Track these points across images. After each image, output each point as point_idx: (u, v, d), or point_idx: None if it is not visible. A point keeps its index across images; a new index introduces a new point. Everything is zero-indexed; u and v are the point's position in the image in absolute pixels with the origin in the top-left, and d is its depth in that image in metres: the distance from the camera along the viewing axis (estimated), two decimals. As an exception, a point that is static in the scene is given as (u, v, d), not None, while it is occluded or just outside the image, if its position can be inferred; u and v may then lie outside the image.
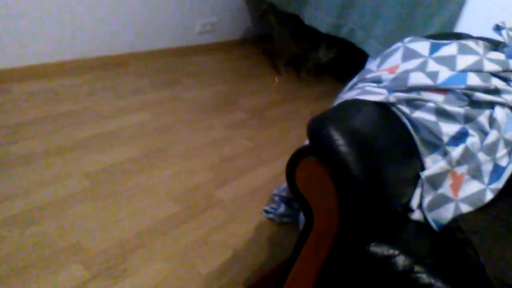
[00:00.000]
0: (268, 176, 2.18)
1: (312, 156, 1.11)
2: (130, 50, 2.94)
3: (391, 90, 1.29)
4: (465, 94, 1.25)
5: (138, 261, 1.55)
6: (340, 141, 1.03)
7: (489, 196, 1.26)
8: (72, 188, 1.78)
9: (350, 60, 3.28)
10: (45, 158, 1.89)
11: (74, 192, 1.77)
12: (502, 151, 1.28)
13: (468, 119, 1.25)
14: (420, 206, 1.28)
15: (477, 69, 1.28)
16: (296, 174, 1.15)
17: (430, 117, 1.25)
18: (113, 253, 1.56)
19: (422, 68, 1.29)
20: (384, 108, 1.27)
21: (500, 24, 1.50)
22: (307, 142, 1.16)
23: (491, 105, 1.28)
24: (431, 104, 1.24)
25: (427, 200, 1.27)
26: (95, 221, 1.66)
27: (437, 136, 1.25)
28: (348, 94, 1.40)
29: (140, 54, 3.01)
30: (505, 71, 1.31)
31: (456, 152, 1.23)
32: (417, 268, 1.07)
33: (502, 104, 1.28)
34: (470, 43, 1.34)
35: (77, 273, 1.45)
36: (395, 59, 1.38)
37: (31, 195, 1.70)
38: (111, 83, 2.62)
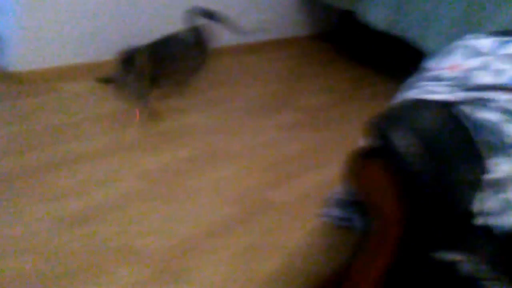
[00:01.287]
0: (322, 178, 2.15)
1: (376, 157, 1.08)
2: None
3: (452, 89, 1.24)
4: (534, 93, 1.19)
5: (193, 263, 1.57)
6: (408, 142, 1.00)
7: (559, 201, 1.20)
8: (126, 189, 1.83)
9: (405, 59, 3.20)
10: (98, 158, 1.95)
11: (129, 192, 1.82)
12: None
13: (536, 119, 1.19)
14: (483, 211, 1.23)
15: (547, 67, 1.21)
16: (358, 175, 1.13)
17: (494, 118, 1.20)
18: (168, 255, 1.58)
19: (486, 66, 1.23)
20: (445, 108, 1.23)
21: None
22: (364, 143, 1.14)
23: None
24: (495, 104, 1.19)
25: (490, 205, 1.22)
26: (149, 222, 1.70)
27: (501, 138, 1.19)
28: (408, 93, 1.37)
29: None
30: None
31: (523, 154, 1.17)
32: (482, 275, 1.03)
33: None
34: (539, 39, 1.28)
35: (133, 274, 1.48)
36: (456, 57, 1.33)
37: (85, 195, 1.75)
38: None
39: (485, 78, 1.21)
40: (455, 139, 1.18)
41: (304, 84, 3.13)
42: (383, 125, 1.06)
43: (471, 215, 1.26)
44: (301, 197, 2.01)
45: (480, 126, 1.22)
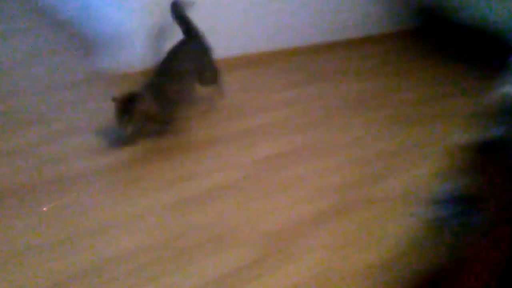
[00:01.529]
0: (419, 174, 2.08)
1: (495, 151, 1.05)
2: (278, 46, 3.09)
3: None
4: None
5: (292, 252, 1.58)
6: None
7: None
8: (229, 177, 1.93)
9: (494, 54, 3.00)
10: (203, 149, 2.11)
11: (232, 180, 1.92)
12: None
13: None
14: None
15: None
16: (475, 170, 1.10)
17: None
18: (271, 241, 1.62)
19: None
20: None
21: None
22: (476, 137, 1.10)
23: None
24: None
25: None
26: (253, 209, 1.76)
27: None
28: (506, 88, 1.31)
29: (287, 50, 3.13)
30: None
31: None
32: None
33: None
34: None
35: (238, 257, 1.53)
36: None
37: (194, 182, 1.89)
38: (260, 79, 2.79)
39: None
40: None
41: (393, 81, 3.04)
42: (503, 119, 1.03)
43: None
44: (397, 193, 1.93)
45: None
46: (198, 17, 2.25)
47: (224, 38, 2.78)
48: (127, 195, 1.78)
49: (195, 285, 1.41)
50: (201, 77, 2.30)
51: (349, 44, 3.50)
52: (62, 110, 2.31)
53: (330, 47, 3.39)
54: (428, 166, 2.13)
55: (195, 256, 1.52)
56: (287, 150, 2.16)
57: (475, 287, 1.19)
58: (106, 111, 2.15)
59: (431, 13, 3.63)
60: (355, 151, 2.21)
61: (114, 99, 1.96)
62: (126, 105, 1.94)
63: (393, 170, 2.09)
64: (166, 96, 2.08)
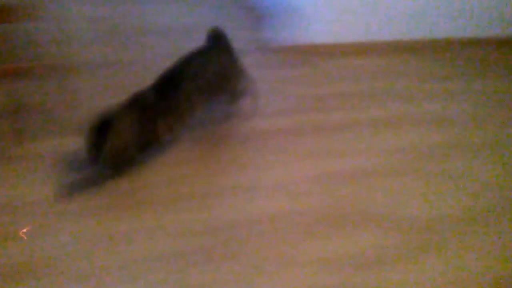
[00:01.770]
0: None
1: None
2: (442, 35, 3.02)
3: None
4: None
5: (435, 244, 1.56)
6: None
7: None
8: (374, 160, 1.95)
9: None
10: (345, 130, 2.14)
11: (377, 163, 1.93)
12: None
13: None
14: None
15: None
16: None
17: None
18: (415, 229, 1.61)
19: None
20: None
21: None
22: None
23: None
24: None
25: None
26: (399, 194, 1.77)
27: None
28: None
29: (453, 40, 3.04)
30: None
31: None
32: None
33: None
34: None
35: (379, 236, 1.57)
36: None
37: (339, 159, 1.94)
38: (413, 67, 2.74)
39: None
40: None
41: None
42: None
43: None
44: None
45: None
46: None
47: (382, 22, 2.77)
48: (271, 163, 1.89)
49: (335, 252, 1.49)
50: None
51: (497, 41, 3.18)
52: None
53: (503, 43, 3.13)
54: None
55: (338, 227, 1.58)
56: (440, 141, 2.10)
57: None
58: (264, 80, 2.33)
59: None
60: (509, 150, 2.07)
61: (88, 126, 1.63)
62: (99, 133, 1.64)
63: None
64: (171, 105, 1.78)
